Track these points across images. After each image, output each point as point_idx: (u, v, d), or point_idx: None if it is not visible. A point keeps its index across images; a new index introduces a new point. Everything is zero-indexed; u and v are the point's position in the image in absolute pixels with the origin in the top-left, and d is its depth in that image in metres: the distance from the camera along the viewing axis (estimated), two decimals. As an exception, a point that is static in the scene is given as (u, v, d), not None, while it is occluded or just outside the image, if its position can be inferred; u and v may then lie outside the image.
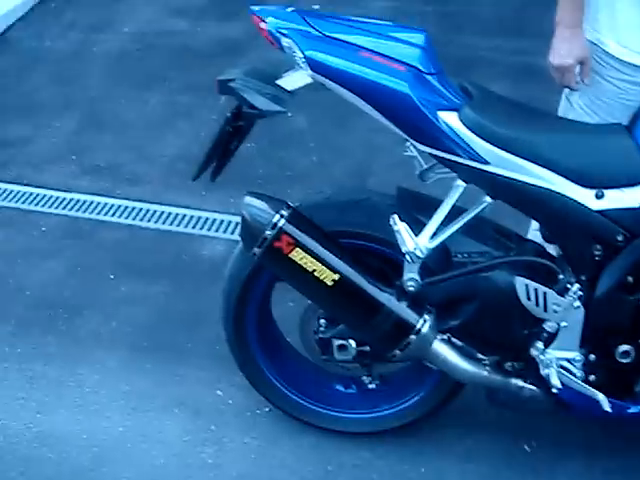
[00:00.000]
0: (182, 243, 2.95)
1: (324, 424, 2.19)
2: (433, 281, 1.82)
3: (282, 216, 1.76)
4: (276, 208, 1.77)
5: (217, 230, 3.00)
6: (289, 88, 1.78)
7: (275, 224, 1.75)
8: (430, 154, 1.78)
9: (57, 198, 3.16)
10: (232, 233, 2.97)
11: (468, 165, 1.73)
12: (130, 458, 2.18)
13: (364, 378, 2.05)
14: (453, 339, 1.87)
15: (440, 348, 1.85)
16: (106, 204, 3.14)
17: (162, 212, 3.09)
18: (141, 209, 3.11)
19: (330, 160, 3.34)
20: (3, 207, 3.12)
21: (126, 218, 3.06)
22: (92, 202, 3.15)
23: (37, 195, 3.18)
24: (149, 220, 3.05)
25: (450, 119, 1.71)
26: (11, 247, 2.93)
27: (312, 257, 1.76)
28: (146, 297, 2.70)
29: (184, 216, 3.07)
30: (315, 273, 1.76)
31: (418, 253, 1.74)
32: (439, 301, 1.87)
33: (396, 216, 1.75)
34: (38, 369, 2.44)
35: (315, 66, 1.69)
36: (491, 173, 1.73)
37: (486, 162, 1.72)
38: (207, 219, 3.06)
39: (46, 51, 4.14)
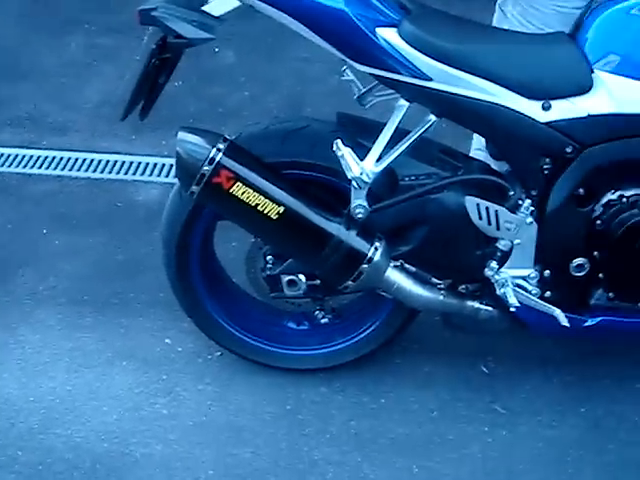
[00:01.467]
0: (115, 190, 2.83)
1: (278, 363, 2.14)
2: (381, 207, 1.76)
3: (219, 150, 1.67)
4: (212, 142, 1.68)
5: (150, 174, 2.88)
6: (216, 13, 1.67)
7: (213, 159, 1.66)
8: (370, 74, 1.69)
9: (-22, 154, 2.99)
10: (166, 176, 2.86)
11: (411, 83, 1.66)
12: (81, 417, 2.10)
13: (316, 313, 1.99)
14: (406, 265, 1.82)
15: (393, 275, 1.80)
16: (32, 156, 2.97)
17: (92, 160, 2.95)
18: (69, 158, 2.96)
19: (262, 93, 3.23)
20: None
21: (54, 169, 2.91)
22: (17, 155, 2.98)
23: (-44, 152, 3.00)
24: (79, 169, 2.91)
25: (390, 35, 1.62)
26: None
27: (254, 190, 1.67)
28: (82, 249, 2.58)
29: (115, 162, 2.94)
30: (258, 207, 1.68)
31: (364, 178, 1.67)
32: (389, 227, 1.81)
33: (339, 141, 1.66)
34: (-25, 333, 2.33)
35: (242, -14, 1.58)
36: (435, 90, 1.66)
37: (429, 78, 1.65)
38: (139, 164, 2.93)
39: (-49, -1, 3.89)
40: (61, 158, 2.96)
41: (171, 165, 2.88)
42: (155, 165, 2.92)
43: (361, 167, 1.67)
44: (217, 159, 1.65)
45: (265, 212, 1.69)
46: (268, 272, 1.91)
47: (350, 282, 1.77)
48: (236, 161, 1.68)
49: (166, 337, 2.29)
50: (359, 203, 1.71)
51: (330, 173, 1.79)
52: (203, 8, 1.66)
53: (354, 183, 1.68)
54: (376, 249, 1.75)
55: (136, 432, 2.06)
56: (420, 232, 1.80)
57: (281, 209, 1.69)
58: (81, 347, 2.27)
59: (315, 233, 1.73)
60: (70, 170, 2.91)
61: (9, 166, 2.93)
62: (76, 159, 2.95)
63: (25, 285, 2.47)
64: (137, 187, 2.83)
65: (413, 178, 1.78)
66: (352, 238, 1.74)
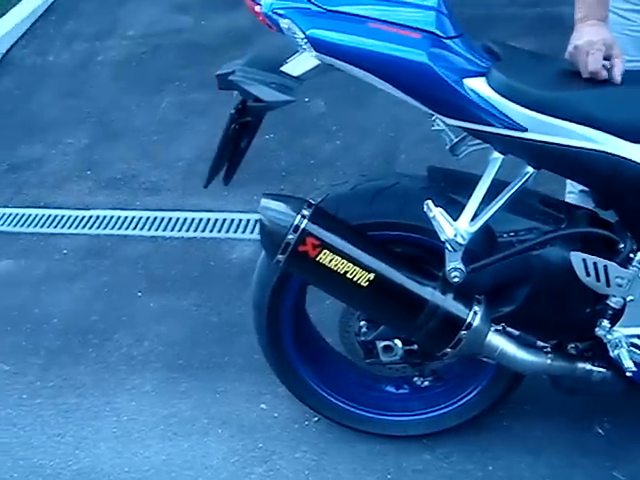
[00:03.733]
0: (209, 249, 2.81)
1: (378, 430, 2.03)
2: (479, 266, 1.64)
3: (304, 216, 1.59)
4: (296, 208, 1.60)
5: (244, 231, 2.86)
6: (295, 74, 1.61)
7: (297, 226, 1.58)
8: (460, 127, 1.59)
9: (76, 217, 3.04)
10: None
11: (504, 134, 1.55)
12: (176, 488, 2.05)
13: (415, 379, 1.88)
14: (508, 329, 1.69)
15: (495, 340, 1.67)
16: (126, 217, 3.01)
17: (185, 219, 2.95)
18: (163, 218, 2.97)
19: (355, 142, 3.17)
20: (22, 233, 3.01)
21: (148, 230, 2.93)
22: (112, 217, 3.01)
23: (55, 217, 3.06)
24: (172, 229, 2.91)
25: (478, 86, 1.52)
26: (34, 275, 2.81)
27: (342, 257, 1.59)
28: (176, 312, 2.56)
29: (208, 220, 2.93)
30: (347, 275, 1.59)
31: (459, 240, 1.56)
32: (488, 287, 1.69)
33: (430, 202, 1.56)
34: (72, 401, 2.32)
35: (319, 46, 1.52)
36: (530, 140, 1.54)
37: (524, 129, 1.53)
38: (232, 220, 2.91)
39: (51, 66, 4.01)
40: (155, 218, 2.98)
41: (264, 220, 2.85)
42: (248, 221, 2.89)
43: (455, 228, 1.56)
44: (302, 226, 1.58)
45: (354, 279, 1.59)
46: (362, 337, 1.82)
47: (449, 349, 1.65)
48: (322, 227, 1.60)
49: (262, 402, 2.22)
50: (454, 266, 1.60)
51: (423, 232, 1.69)
52: (282, 69, 1.61)
53: (448, 245, 1.57)
54: (475, 313, 1.63)
55: (231, 504, 2.00)
56: (522, 291, 1.67)
57: (371, 276, 1.60)
58: (176, 414, 2.23)
59: (408, 299, 1.63)
60: (164, 230, 2.91)
61: (104, 228, 2.97)
62: (169, 218, 2.96)
63: (120, 350, 2.46)
64: (230, 245, 2.80)
65: (512, 234, 1.66)
66: (449, 303, 1.62)
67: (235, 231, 2.86)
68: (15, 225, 3.05)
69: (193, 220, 2.94)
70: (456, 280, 1.61)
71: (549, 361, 1.71)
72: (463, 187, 1.67)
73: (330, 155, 3.12)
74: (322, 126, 3.27)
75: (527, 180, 1.61)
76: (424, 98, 1.53)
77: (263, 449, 2.11)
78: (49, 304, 2.67)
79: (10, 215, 3.11)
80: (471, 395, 1.93)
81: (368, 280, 1.59)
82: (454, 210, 1.61)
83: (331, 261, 1.58)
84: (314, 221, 1.59)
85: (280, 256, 1.60)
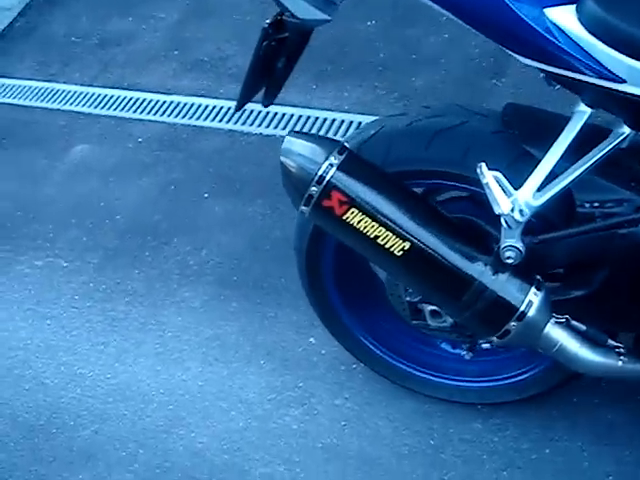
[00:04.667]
0: (286, 150, 2.57)
1: (424, 390, 1.81)
2: (548, 239, 1.34)
3: (332, 165, 1.32)
4: (324, 154, 1.33)
5: (327, 131, 2.59)
6: (344, -18, 1.31)
7: (322, 177, 1.31)
8: (540, 70, 1.26)
9: (156, 102, 2.86)
10: (344, 134, 2.55)
11: (594, 84, 1.20)
12: (207, 419, 1.93)
13: (463, 353, 1.63)
14: (573, 322, 1.39)
15: (554, 334, 1.37)
16: (207, 106, 2.80)
17: (267, 113, 2.70)
18: (244, 111, 2.73)
19: (464, 37, 2.77)
20: (101, 116, 2.86)
21: (227, 122, 2.72)
22: (192, 105, 2.82)
23: (136, 100, 2.89)
24: (252, 124, 2.69)
25: (563, 19, 1.17)
26: (106, 163, 2.68)
27: (373, 219, 1.31)
28: (240, 219, 2.38)
29: (291, 116, 2.68)
30: (378, 240, 1.32)
31: (517, 216, 1.26)
32: (557, 266, 1.39)
33: (483, 165, 1.26)
34: (121, 309, 2.22)
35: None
36: (629, 95, 1.19)
37: (621, 80, 1.18)
38: (316, 119, 2.65)
39: None
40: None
41: (351, 122, 2.59)
42: (333, 121, 2.63)
43: (513, 200, 1.26)
44: (327, 178, 1.31)
45: (386, 246, 1.33)
46: (408, 298, 1.57)
47: (495, 338, 1.38)
48: (352, 179, 1.32)
49: (311, 336, 2.05)
50: (510, 244, 1.30)
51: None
52: (328, -25, 1.31)
53: (503, 221, 1.27)
54: (530, 302, 1.33)
55: (260, 447, 1.86)
56: (599, 275, 1.36)
57: (406, 245, 1.32)
58: (221, 337, 2.10)
59: (452, 275, 1.34)
60: (242, 124, 2.70)
61: (183, 117, 2.78)
62: (251, 111, 2.73)
63: (177, 257, 2.33)
64: (309, 147, 2.55)
65: (596, 205, 1.34)
66: (500, 286, 1.33)
67: (318, 130, 2.60)
68: (96, 107, 2.90)
69: (275, 114, 2.70)
70: (510, 261, 1.31)
71: (620, 363, 1.41)
72: (543, 136, 1.34)
73: (434, 50, 2.77)
74: (431, 15, 2.85)
75: (621, 143, 1.28)
76: (490, 32, 1.22)
77: (302, 389, 1.95)
78: (115, 198, 2.55)
79: (93, 95, 2.96)
80: (534, 371, 1.66)
81: (402, 249, 1.32)
82: (526, 166, 1.30)
83: (360, 222, 1.32)
84: (345, 170, 1.32)
85: (304, 208, 1.36)
